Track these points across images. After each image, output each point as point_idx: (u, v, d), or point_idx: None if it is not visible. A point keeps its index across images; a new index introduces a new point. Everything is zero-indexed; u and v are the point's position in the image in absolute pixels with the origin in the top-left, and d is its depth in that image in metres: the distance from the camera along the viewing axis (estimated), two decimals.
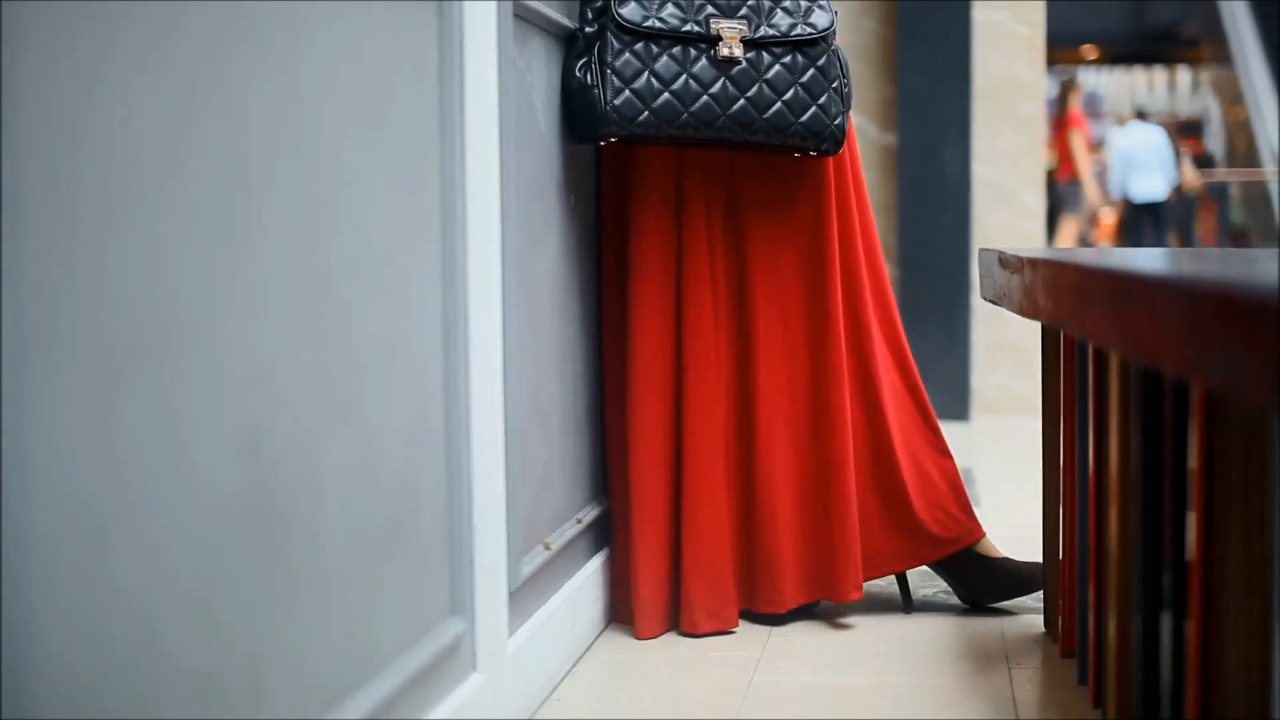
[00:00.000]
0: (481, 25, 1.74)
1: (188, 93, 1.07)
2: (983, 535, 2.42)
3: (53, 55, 0.91)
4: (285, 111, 1.23)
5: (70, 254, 0.92)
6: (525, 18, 1.97)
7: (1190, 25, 23.45)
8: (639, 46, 2.13)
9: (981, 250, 2.28)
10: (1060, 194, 10.96)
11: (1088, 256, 1.84)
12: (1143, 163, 13.45)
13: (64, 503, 0.92)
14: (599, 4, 2.15)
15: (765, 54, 2.20)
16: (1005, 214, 4.97)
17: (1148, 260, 1.78)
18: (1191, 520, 1.49)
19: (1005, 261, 2.03)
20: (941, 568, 2.43)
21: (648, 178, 2.29)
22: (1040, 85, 5.03)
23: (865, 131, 4.94)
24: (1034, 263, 1.84)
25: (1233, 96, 21.72)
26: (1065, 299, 1.67)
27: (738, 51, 2.17)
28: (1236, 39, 21.37)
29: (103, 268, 0.96)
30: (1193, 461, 1.48)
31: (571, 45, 2.17)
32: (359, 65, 1.41)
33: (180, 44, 1.06)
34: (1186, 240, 16.00)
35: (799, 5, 2.23)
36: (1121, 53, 26.56)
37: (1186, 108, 27.59)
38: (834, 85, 2.24)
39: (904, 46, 4.85)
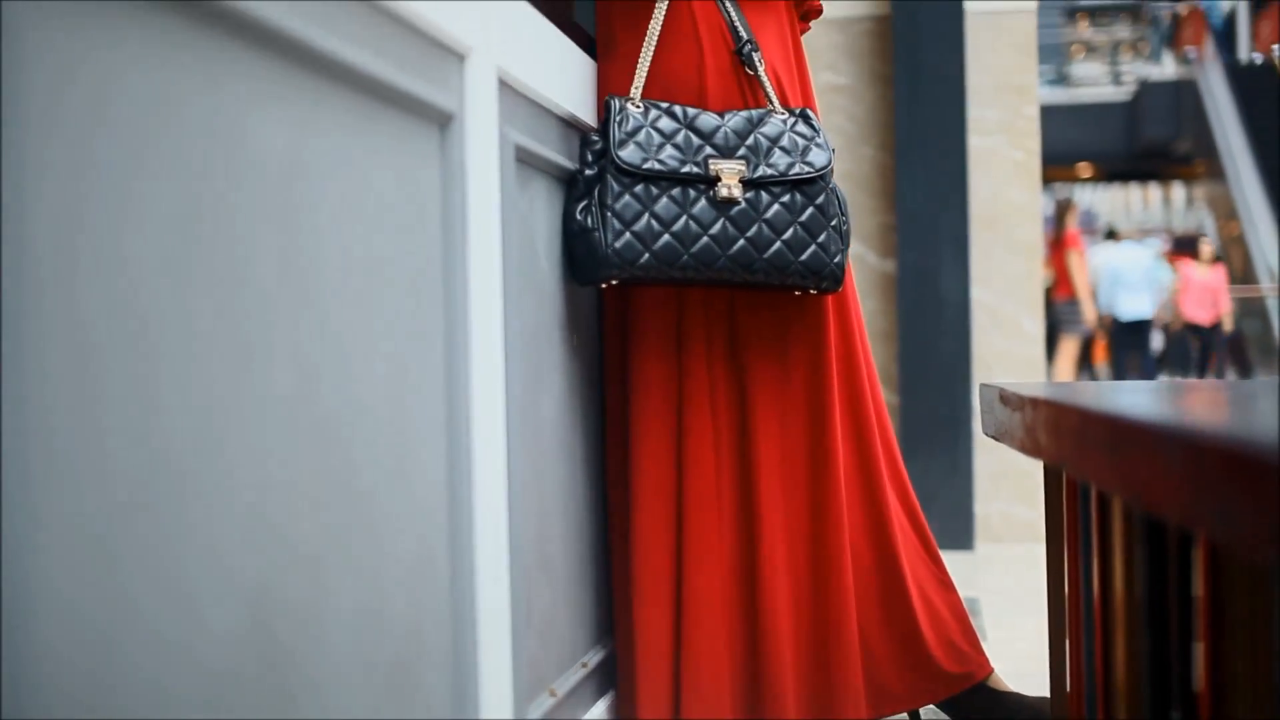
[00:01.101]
0: (484, 168, 1.76)
1: (188, 237, 1.09)
2: (991, 671, 2.40)
3: (45, 207, 0.92)
4: (287, 258, 1.25)
5: (72, 401, 0.93)
6: (527, 161, 2.00)
7: (1183, 142, 23.70)
8: (639, 188, 2.16)
9: (982, 385, 2.29)
10: (1058, 312, 11.02)
11: (1089, 397, 1.85)
12: (1130, 282, 13.63)
13: (66, 646, 0.92)
14: (598, 146, 2.18)
15: (764, 193, 2.21)
16: (1004, 340, 4.99)
17: (1148, 402, 1.78)
18: (1198, 651, 1.48)
19: (1006, 399, 2.03)
20: (949, 703, 2.41)
21: (648, 315, 2.31)
22: (1037, 210, 5.08)
23: (864, 258, 4.98)
24: (1035, 402, 1.84)
25: (1227, 212, 21.90)
26: (1066, 440, 1.67)
27: (737, 192, 2.19)
28: (1229, 156, 21.59)
29: (103, 419, 0.97)
30: (1198, 589, 1.47)
31: (572, 187, 2.19)
32: (362, 207, 1.42)
33: (177, 188, 1.08)
34: (1183, 351, 16.14)
35: (796, 144, 2.25)
36: (1116, 170, 26.83)
37: (1181, 223, 27.78)
38: (833, 223, 2.25)
39: (902, 173, 4.90)
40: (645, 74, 2.25)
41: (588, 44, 2.33)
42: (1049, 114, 6.61)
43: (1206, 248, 15.82)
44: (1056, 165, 23.55)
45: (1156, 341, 15.97)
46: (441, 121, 1.65)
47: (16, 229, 0.87)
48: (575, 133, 2.24)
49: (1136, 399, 1.84)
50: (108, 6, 0.99)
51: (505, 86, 1.86)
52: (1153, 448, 1.27)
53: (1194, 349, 15.65)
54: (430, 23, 1.58)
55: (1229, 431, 1.17)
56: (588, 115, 2.28)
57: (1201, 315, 15.47)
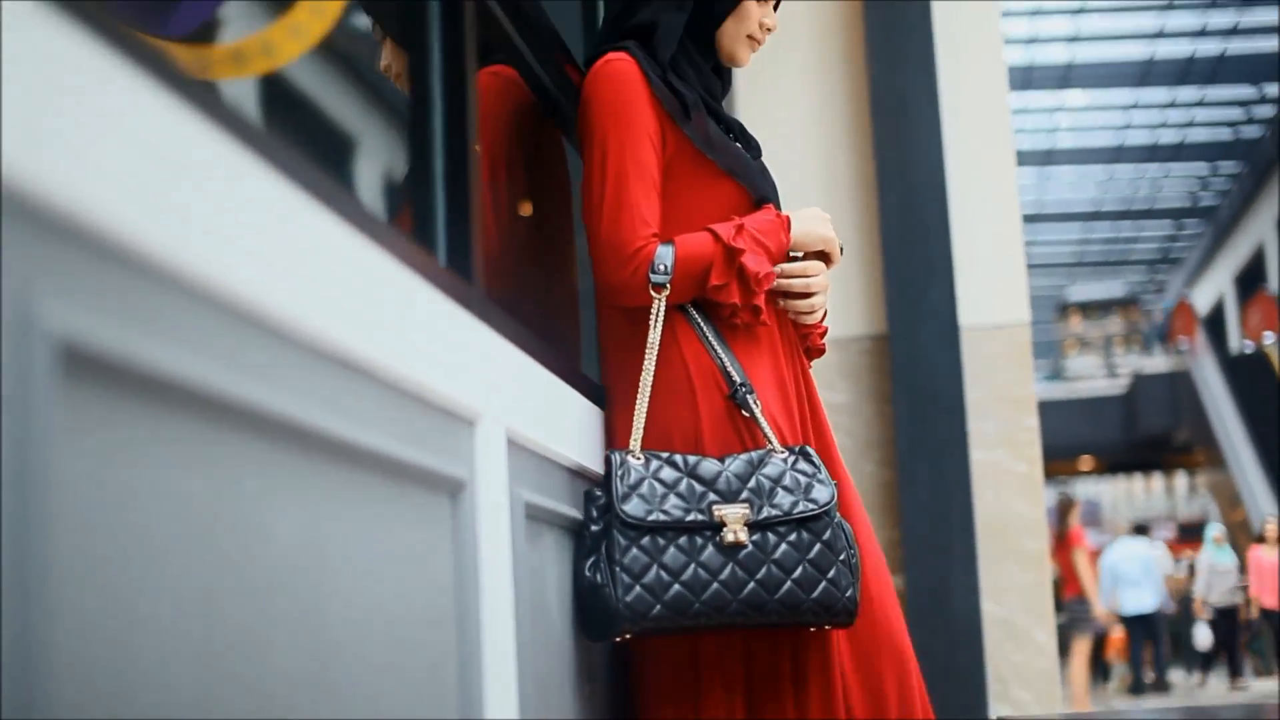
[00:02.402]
0: (496, 530, 1.78)
1: (209, 628, 1.09)
2: None
3: (63, 613, 0.93)
4: (305, 639, 1.25)
5: None
6: (537, 517, 2.02)
7: (1182, 432, 23.87)
8: (645, 540, 2.17)
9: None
10: (1067, 611, 10.93)
11: None
12: (1133, 580, 13.62)
13: None
14: (602, 502, 2.20)
15: (770, 534, 2.22)
16: (1018, 652, 4.93)
17: None
18: None
19: None
20: None
21: (663, 655, 2.30)
22: (1042, 520, 5.08)
23: None
24: None
25: (1230, 499, 21.91)
26: None
27: (743, 536, 2.20)
28: (1229, 443, 21.72)
29: None
30: None
31: (580, 542, 2.20)
32: (377, 583, 1.43)
33: (196, 585, 1.09)
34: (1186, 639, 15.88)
35: (799, 482, 2.27)
36: (1117, 461, 26.95)
37: (1185, 511, 27.77)
38: (841, 558, 2.26)
39: (904, 490, 4.92)
40: (643, 424, 2.28)
41: (593, 392, 2.38)
42: (1046, 409, 6.68)
43: (1272, 527, 14.90)
44: (1057, 460, 23.67)
45: (1204, 636, 15.43)
46: (453, 490, 1.67)
47: (36, 633, 0.88)
48: (584, 482, 2.26)
49: None
50: (134, 414, 1.01)
51: (514, 446, 1.89)
52: None
53: (1269, 639, 14.84)
54: (440, 394, 1.61)
55: None
56: (596, 464, 2.30)
57: (1274, 600, 14.42)
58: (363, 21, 2.46)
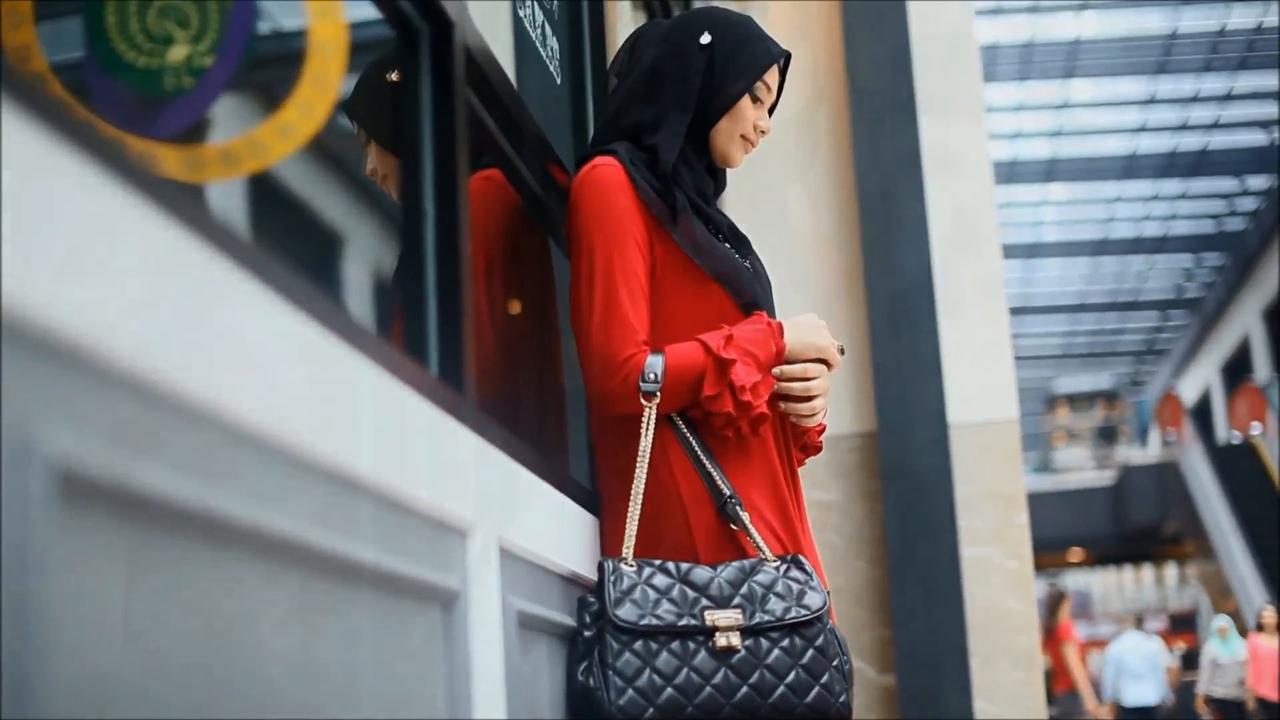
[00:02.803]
0: (488, 640, 1.77)
1: (205, 707, 1.09)
2: None
3: None
4: None
5: None
6: (530, 625, 2.01)
7: (1172, 523, 23.85)
8: (638, 645, 2.16)
9: None
10: (1059, 705, 10.87)
11: None
12: (1138, 673, 13.54)
13: None
14: (595, 608, 2.19)
15: (763, 640, 2.22)
16: None
17: None
18: None
19: None
20: None
21: None
22: (1034, 617, 5.06)
23: (863, 673, 4.94)
24: None
25: (1221, 589, 21.85)
26: None
27: (735, 640, 2.19)
28: (1218, 533, 21.68)
29: None
30: None
31: (573, 648, 2.20)
32: (371, 698, 1.42)
33: (189, 693, 1.08)
34: None
35: (791, 589, 2.26)
36: (1107, 553, 26.92)
37: (1176, 602, 27.68)
38: (834, 663, 2.25)
39: (895, 587, 4.91)
40: (634, 534, 2.28)
41: (586, 498, 2.38)
42: (1035, 501, 6.69)
43: (1269, 616, 14.58)
44: (1046, 552, 23.64)
45: None
46: (445, 601, 1.67)
47: None
48: (577, 588, 2.26)
49: None
50: (130, 534, 1.01)
51: (507, 554, 1.89)
52: None
53: None
54: (432, 505, 1.61)
55: None
56: (589, 570, 2.30)
57: (1273, 691, 13.89)
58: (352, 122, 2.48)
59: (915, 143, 5.27)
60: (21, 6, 1.56)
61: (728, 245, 2.48)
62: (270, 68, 1.81)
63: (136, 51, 1.61)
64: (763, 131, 2.54)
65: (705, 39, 2.48)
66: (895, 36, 5.35)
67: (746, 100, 2.49)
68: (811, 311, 2.52)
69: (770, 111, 2.56)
